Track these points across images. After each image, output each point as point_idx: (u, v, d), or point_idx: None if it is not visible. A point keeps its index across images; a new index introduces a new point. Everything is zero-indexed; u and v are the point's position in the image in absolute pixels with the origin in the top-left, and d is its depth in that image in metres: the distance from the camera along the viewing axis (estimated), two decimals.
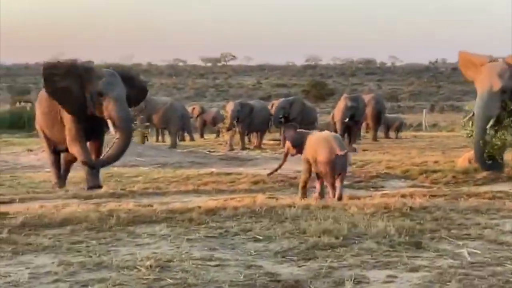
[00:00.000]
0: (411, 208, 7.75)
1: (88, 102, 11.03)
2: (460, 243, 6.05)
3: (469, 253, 5.65)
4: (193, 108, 30.97)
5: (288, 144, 9.46)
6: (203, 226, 6.77)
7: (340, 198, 8.68)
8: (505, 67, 12.02)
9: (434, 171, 12.35)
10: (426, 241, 6.12)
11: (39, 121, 12.09)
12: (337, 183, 8.79)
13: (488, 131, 11.91)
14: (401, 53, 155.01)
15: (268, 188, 10.84)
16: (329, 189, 8.89)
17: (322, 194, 9.12)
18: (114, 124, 10.94)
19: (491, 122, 11.86)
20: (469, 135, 12.78)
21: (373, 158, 15.89)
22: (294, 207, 7.74)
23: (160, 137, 26.57)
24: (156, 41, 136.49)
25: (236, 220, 7.10)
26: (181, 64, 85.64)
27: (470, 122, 12.69)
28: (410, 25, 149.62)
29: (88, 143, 11.38)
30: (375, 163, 14.45)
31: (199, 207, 7.68)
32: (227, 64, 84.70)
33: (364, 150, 19.75)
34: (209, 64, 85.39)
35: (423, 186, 11.14)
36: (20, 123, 32.46)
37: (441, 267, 5.20)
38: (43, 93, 11.83)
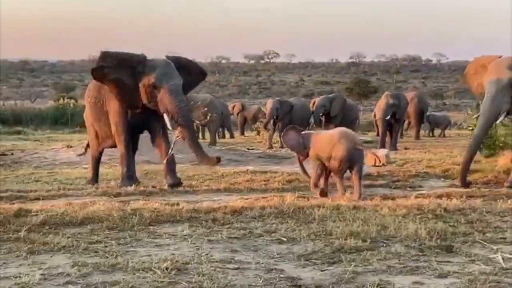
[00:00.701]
0: (445, 209, 7.44)
1: (142, 96, 10.46)
2: (495, 247, 5.75)
3: (503, 259, 5.35)
4: (234, 106, 30.85)
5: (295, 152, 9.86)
6: (226, 226, 6.58)
7: (360, 197, 8.79)
8: None
9: (475, 171, 11.92)
10: (458, 245, 5.84)
11: (87, 114, 11.79)
12: (356, 182, 9.04)
13: (496, 126, 11.13)
14: (446, 50, 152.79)
15: (301, 188, 10.58)
16: (338, 187, 9.19)
17: (325, 191, 9.34)
18: (172, 118, 10.34)
19: (501, 118, 10.89)
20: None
21: (413, 157, 15.50)
22: (323, 207, 7.50)
23: (200, 134, 26.51)
24: (199, 39, 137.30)
25: (261, 221, 6.90)
26: (224, 61, 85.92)
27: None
28: (456, 22, 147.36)
29: (155, 145, 10.94)
30: (415, 162, 14.10)
31: (225, 206, 7.49)
32: (270, 62, 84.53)
33: (405, 149, 19.31)
34: (252, 62, 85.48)
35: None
36: (63, 120, 32.79)
37: (472, 273, 4.93)
38: (91, 85, 11.56)
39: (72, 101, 36.55)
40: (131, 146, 11.07)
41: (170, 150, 10.67)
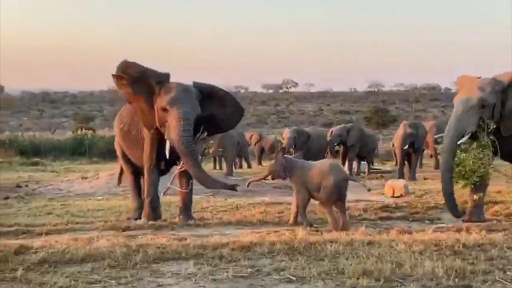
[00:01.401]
0: (464, 245, 7.08)
1: (156, 117, 9.77)
2: None
3: None
4: (252, 136, 30.70)
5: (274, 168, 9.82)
6: (233, 264, 6.27)
7: (346, 228, 9.08)
8: (490, 81, 10.36)
9: (496, 202, 11.56)
10: (478, 284, 5.52)
11: (118, 141, 11.23)
12: (342, 213, 9.35)
13: (458, 149, 10.16)
14: None
15: (316, 220, 10.29)
16: (330, 218, 9.34)
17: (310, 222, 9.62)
18: (173, 146, 9.58)
19: (463, 139, 10.05)
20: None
21: (433, 187, 15.11)
22: (336, 242, 7.19)
23: (217, 165, 26.31)
24: (217, 68, 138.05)
25: (271, 258, 6.59)
26: (242, 91, 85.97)
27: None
28: (474, 50, 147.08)
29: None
30: (434, 193, 13.70)
31: (234, 242, 7.19)
32: (288, 91, 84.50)
33: (424, 179, 18.96)
34: (270, 91, 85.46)
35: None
36: (81, 150, 32.81)
37: None
38: (123, 111, 10.99)
39: (90, 131, 36.67)
40: (158, 176, 10.41)
41: (169, 183, 10.37)
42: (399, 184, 14.60)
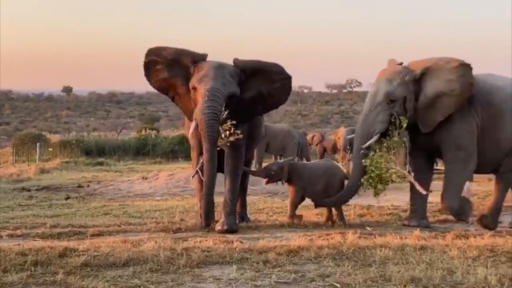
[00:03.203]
0: None
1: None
2: None
3: None
4: (313, 136, 30.50)
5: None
6: (277, 269, 6.07)
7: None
8: (399, 71, 9.12)
9: None
10: None
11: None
12: (338, 211, 9.83)
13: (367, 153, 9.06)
14: None
15: (372, 223, 10.02)
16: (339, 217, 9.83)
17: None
18: (197, 126, 8.73)
19: (371, 140, 8.97)
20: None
21: None
22: (387, 247, 6.93)
23: None
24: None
25: (317, 263, 6.38)
26: (306, 90, 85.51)
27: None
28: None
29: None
30: None
31: (281, 246, 7.01)
32: (352, 91, 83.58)
33: (489, 180, 18.33)
34: (334, 91, 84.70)
35: None
36: (145, 150, 33.26)
37: None
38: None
39: (154, 132, 37.15)
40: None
41: (192, 175, 9.76)
42: None
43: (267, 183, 10.09)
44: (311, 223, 9.79)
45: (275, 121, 50.70)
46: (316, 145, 29.94)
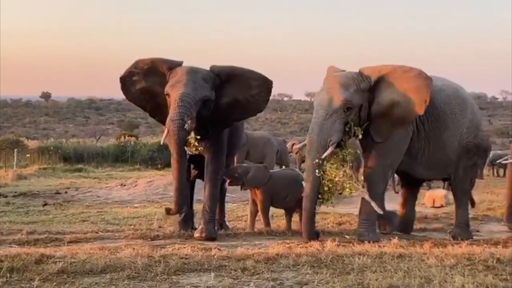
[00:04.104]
0: (498, 260, 6.74)
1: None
2: None
3: None
4: (293, 144, 30.55)
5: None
6: (255, 276, 6.06)
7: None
8: (354, 78, 8.76)
9: None
10: None
11: None
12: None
13: (322, 163, 8.57)
14: None
15: (350, 231, 10.02)
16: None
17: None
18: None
19: (328, 151, 8.49)
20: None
21: (475, 198, 14.73)
22: (365, 255, 6.94)
23: None
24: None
25: (295, 270, 6.36)
26: (286, 98, 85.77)
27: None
28: None
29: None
30: (476, 204, 13.32)
31: (259, 253, 7.00)
32: None
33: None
34: (313, 99, 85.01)
35: None
36: (124, 157, 33.05)
37: None
38: None
39: (133, 138, 36.95)
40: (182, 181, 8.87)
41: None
42: (439, 194, 14.29)
43: (229, 184, 10.09)
44: (291, 231, 9.81)
45: (255, 128, 50.78)
46: (296, 153, 30.01)
